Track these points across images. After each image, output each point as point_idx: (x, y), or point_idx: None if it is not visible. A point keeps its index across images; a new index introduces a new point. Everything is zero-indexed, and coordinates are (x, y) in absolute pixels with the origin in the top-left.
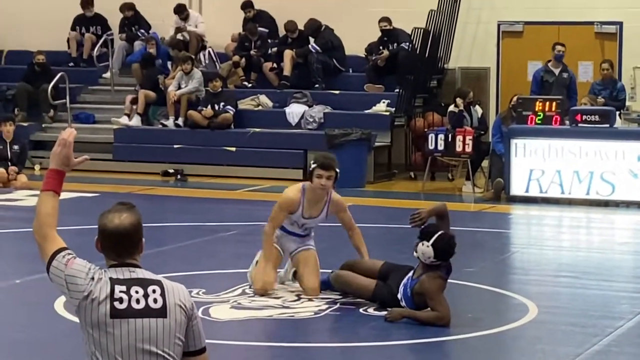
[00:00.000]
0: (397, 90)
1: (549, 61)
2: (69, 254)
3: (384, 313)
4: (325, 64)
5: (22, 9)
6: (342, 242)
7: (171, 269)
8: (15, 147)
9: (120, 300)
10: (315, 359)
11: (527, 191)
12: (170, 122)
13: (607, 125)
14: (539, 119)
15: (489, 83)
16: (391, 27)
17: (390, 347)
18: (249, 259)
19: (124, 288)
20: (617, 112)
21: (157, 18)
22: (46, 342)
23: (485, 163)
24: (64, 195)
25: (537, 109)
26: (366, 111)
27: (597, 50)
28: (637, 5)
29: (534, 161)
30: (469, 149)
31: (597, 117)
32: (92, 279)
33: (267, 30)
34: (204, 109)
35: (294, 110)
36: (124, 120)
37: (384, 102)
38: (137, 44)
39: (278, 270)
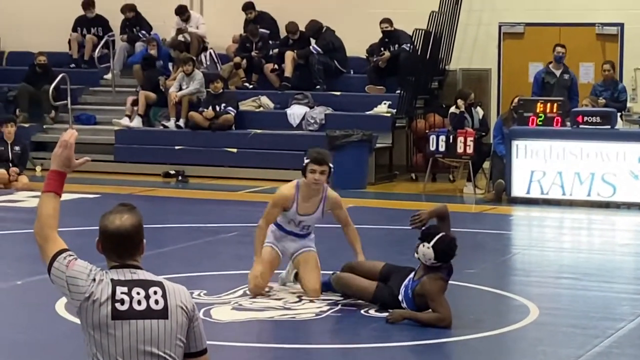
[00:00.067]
0: (398, 91)
1: (550, 62)
2: (70, 255)
3: (385, 314)
4: (327, 65)
5: (24, 10)
6: (343, 244)
7: (172, 270)
8: (17, 148)
9: (122, 302)
10: None
11: (528, 192)
12: (171, 124)
13: (609, 127)
14: (540, 121)
15: (490, 84)
16: (392, 29)
17: (392, 349)
18: (250, 260)
19: (125, 289)
20: (619, 114)
21: (158, 19)
22: (47, 343)
23: (486, 164)
24: (65, 196)
25: (538, 111)
26: (367, 112)
27: (598, 51)
28: (638, 7)
29: (535, 162)
30: (470, 150)
31: (598, 118)
32: (94, 280)
33: (268, 32)
34: (205, 110)
35: (295, 112)
36: (125, 121)
37: (385, 104)
38: (138, 45)
39: (279, 272)
